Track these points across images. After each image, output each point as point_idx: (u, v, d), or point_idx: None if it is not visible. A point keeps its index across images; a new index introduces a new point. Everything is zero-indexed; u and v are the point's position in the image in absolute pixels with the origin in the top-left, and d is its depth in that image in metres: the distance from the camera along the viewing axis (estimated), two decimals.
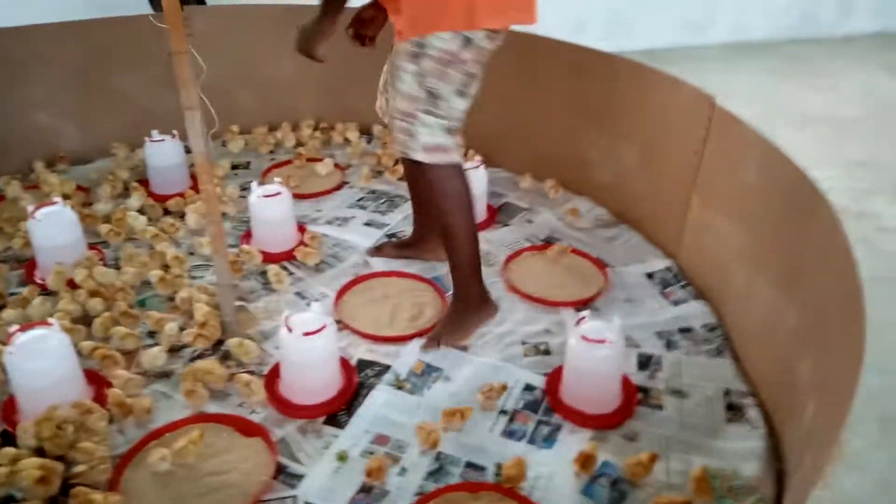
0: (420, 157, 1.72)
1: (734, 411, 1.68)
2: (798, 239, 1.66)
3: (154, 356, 1.75)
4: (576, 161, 2.64)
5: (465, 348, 1.87)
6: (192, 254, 2.25)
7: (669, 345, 1.91)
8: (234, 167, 2.92)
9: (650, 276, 2.22)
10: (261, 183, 2.34)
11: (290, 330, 1.60)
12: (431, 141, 1.71)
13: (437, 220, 1.88)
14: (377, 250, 2.29)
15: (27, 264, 2.17)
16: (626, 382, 1.71)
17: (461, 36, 1.62)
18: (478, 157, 2.50)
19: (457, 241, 1.83)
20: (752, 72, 4.76)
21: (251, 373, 1.75)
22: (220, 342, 1.86)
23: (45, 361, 1.53)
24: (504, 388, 1.69)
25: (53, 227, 2.05)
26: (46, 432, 1.45)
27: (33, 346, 1.52)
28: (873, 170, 3.07)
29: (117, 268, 2.13)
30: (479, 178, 2.44)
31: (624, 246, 2.38)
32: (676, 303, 2.08)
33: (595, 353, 1.60)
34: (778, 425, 1.62)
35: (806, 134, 3.60)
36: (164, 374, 1.75)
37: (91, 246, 2.21)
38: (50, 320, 1.58)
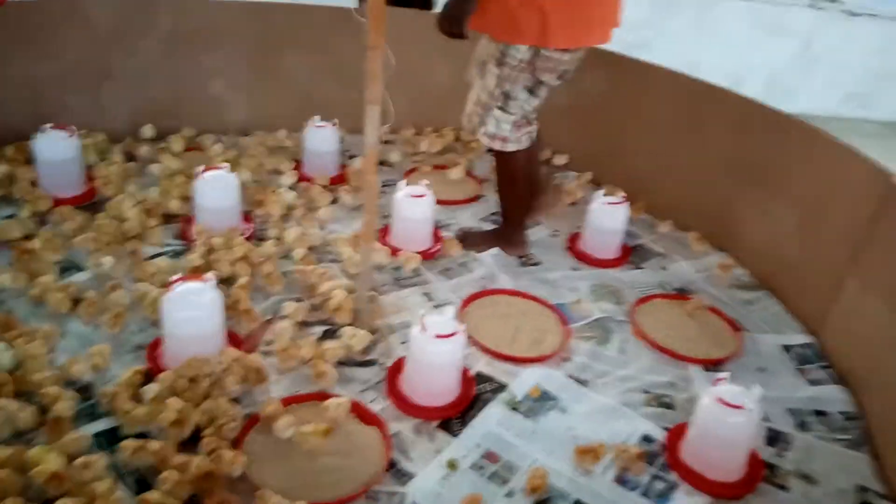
0: (484, 140, 2.15)
1: None
2: None
3: (283, 329, 1.82)
4: (723, 215, 2.55)
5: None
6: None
7: (802, 426, 1.79)
8: (380, 163, 3.00)
9: (787, 348, 2.10)
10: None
11: (424, 330, 1.62)
12: (495, 132, 2.12)
13: (498, 186, 2.33)
14: (462, 241, 2.39)
15: (183, 219, 2.31)
16: (752, 455, 1.62)
17: (533, 48, 1.97)
18: (621, 194, 2.46)
19: (508, 199, 2.32)
20: None
21: (372, 362, 1.79)
22: (337, 327, 1.90)
23: (196, 312, 1.62)
24: (601, 452, 1.60)
25: (216, 190, 2.18)
26: (182, 384, 1.54)
27: (189, 297, 1.62)
28: None
29: (260, 239, 2.25)
30: (618, 215, 2.41)
31: (762, 313, 2.26)
32: (813, 383, 1.96)
33: (728, 419, 1.53)
34: None
35: None
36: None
37: (245, 215, 2.33)
38: (206, 276, 1.68)
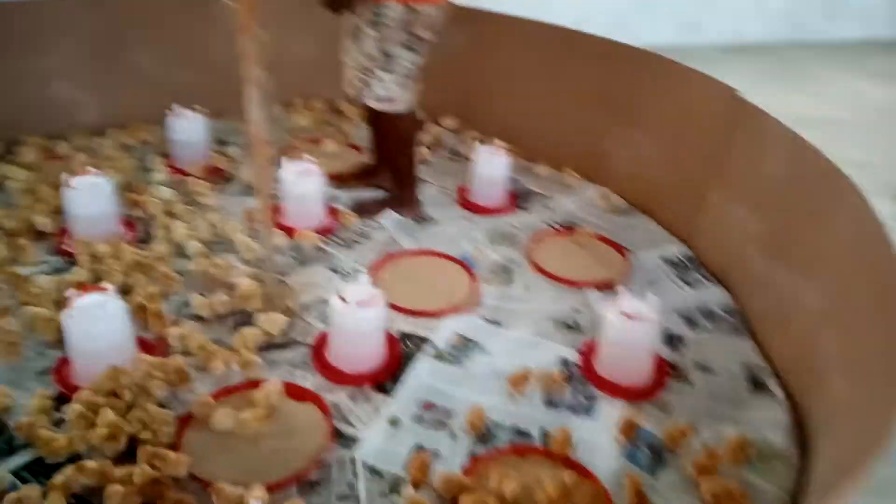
0: (372, 104, 2.20)
1: (757, 385, 1.77)
2: (821, 225, 1.76)
3: (193, 327, 1.78)
4: (592, 150, 2.72)
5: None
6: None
7: (691, 323, 2.01)
8: None
9: (666, 260, 2.31)
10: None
11: (344, 301, 1.65)
12: (384, 93, 2.17)
13: (387, 150, 2.43)
14: (340, 182, 2.56)
15: (55, 233, 2.17)
16: (657, 358, 1.80)
17: (408, 7, 2.02)
18: (499, 143, 2.56)
19: (399, 160, 2.39)
20: (745, 73, 4.91)
21: (293, 342, 1.80)
22: (248, 315, 1.89)
23: (102, 325, 1.56)
24: (528, 377, 1.72)
25: (89, 197, 2.06)
26: (101, 399, 1.49)
27: (92, 310, 1.55)
28: (871, 171, 3.21)
29: (143, 241, 2.16)
30: (500, 164, 2.52)
31: (640, 232, 2.47)
32: (694, 286, 2.18)
33: (633, 328, 1.69)
34: (799, 398, 1.72)
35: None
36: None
37: (123, 219, 2.22)
38: (105, 285, 1.61)
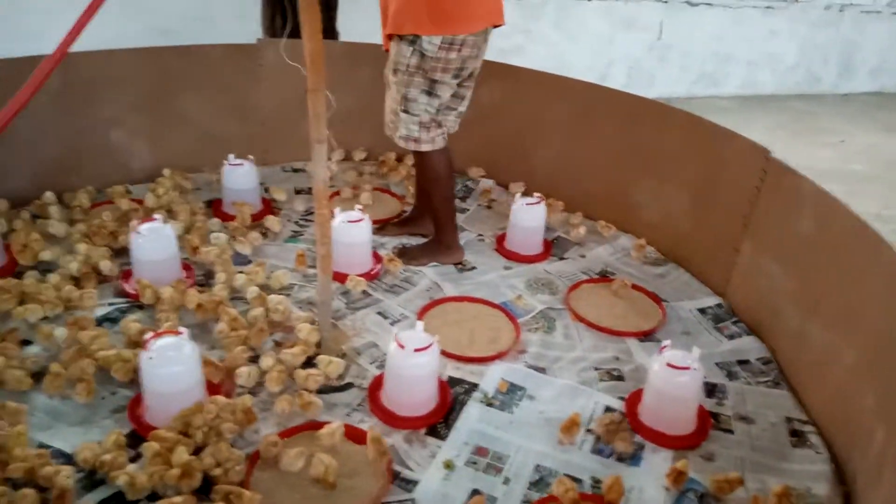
0: (400, 143, 2.35)
1: (797, 437, 1.83)
2: (855, 282, 1.84)
3: (248, 373, 1.86)
4: (624, 201, 2.82)
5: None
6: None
7: (730, 375, 2.07)
8: (298, 192, 3.06)
9: (702, 311, 2.39)
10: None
11: (401, 346, 1.73)
12: (406, 133, 2.31)
13: (425, 192, 2.54)
14: (380, 230, 2.64)
15: (121, 276, 2.27)
16: (700, 408, 1.86)
17: (417, 52, 2.15)
18: (537, 195, 2.67)
19: (435, 201, 2.47)
20: (761, 123, 5.05)
21: (349, 385, 1.88)
22: (308, 359, 1.97)
23: (179, 367, 1.64)
24: (578, 422, 1.78)
25: (154, 243, 2.17)
26: (175, 438, 1.57)
27: (169, 353, 1.63)
28: (892, 223, 3.31)
29: (203, 286, 2.26)
30: (537, 213, 2.62)
31: (674, 283, 2.55)
32: (731, 337, 2.25)
33: (678, 379, 1.76)
34: (839, 451, 1.78)
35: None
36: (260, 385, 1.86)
37: (184, 264, 2.33)
38: (180, 329, 1.70)
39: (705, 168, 2.51)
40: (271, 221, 2.67)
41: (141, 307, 2.13)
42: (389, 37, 2.25)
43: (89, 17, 1.27)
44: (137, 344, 1.88)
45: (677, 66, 5.52)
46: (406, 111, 2.27)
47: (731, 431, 1.85)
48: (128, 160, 2.97)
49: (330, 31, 3.55)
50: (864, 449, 1.64)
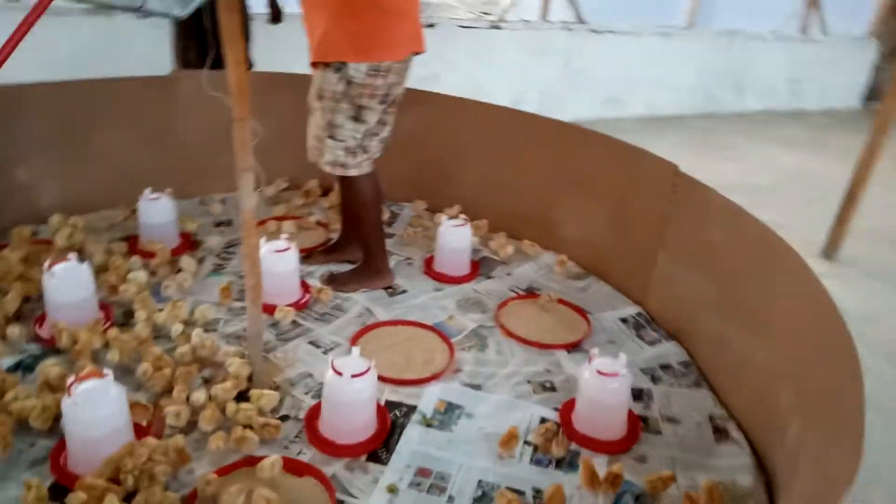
0: (326, 169, 2.35)
1: (721, 434, 1.93)
2: (765, 286, 1.97)
3: (179, 412, 1.80)
4: (546, 220, 2.92)
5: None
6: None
7: (654, 379, 2.17)
8: (217, 224, 3.00)
9: (624, 320, 2.49)
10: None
11: (338, 373, 1.72)
12: (332, 159, 2.32)
13: (352, 218, 2.55)
14: (307, 258, 2.65)
15: (35, 319, 2.16)
16: (629, 413, 1.94)
17: (344, 79, 2.18)
18: (463, 216, 2.73)
19: (364, 226, 2.48)
20: (669, 143, 5.34)
21: (284, 417, 1.85)
22: (240, 393, 1.93)
23: (105, 410, 1.57)
24: (517, 435, 1.83)
25: (69, 283, 2.07)
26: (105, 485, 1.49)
27: (93, 396, 1.56)
28: (792, 232, 3.55)
29: (123, 325, 2.18)
30: (464, 235, 2.67)
31: (596, 295, 2.65)
32: (652, 343, 2.36)
33: (607, 386, 1.83)
34: (759, 444, 1.88)
35: None
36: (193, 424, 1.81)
37: (101, 304, 2.23)
38: (104, 371, 1.63)
39: (620, 185, 2.63)
40: (186, 262, 2.54)
41: (58, 352, 2.02)
42: (314, 64, 2.26)
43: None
44: (57, 389, 1.79)
45: (586, 90, 5.78)
46: (332, 137, 2.28)
47: (659, 433, 1.93)
48: (36, 199, 2.83)
49: (245, 62, 3.52)
50: (781, 440, 1.74)
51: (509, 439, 1.79)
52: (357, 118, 2.27)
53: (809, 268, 1.74)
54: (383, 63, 2.18)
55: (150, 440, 1.61)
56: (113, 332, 2.05)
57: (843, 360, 1.45)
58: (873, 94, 7.72)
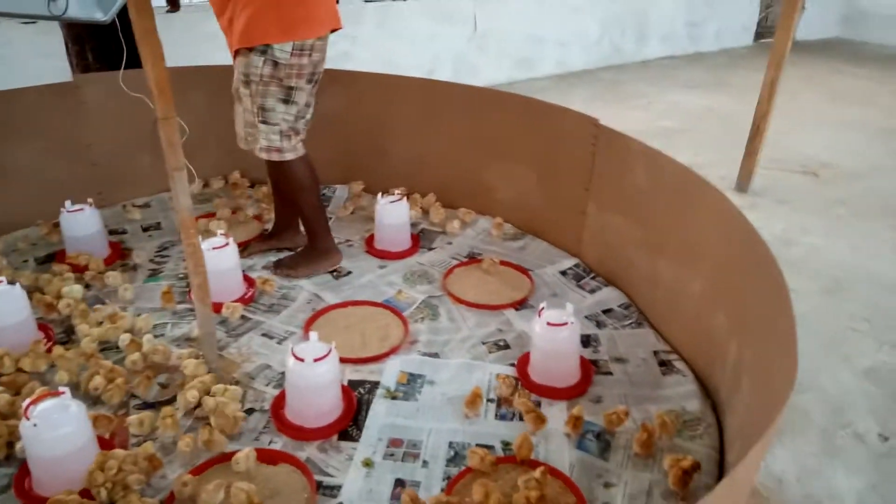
0: (262, 155, 2.32)
1: (665, 366, 2.07)
2: (689, 221, 2.10)
3: (141, 421, 1.78)
4: (478, 186, 2.99)
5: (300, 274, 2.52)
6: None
7: (599, 324, 2.28)
8: (145, 229, 2.92)
9: (563, 273, 2.60)
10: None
11: (300, 360, 1.74)
12: (267, 144, 2.30)
13: (290, 198, 2.49)
14: (244, 250, 2.61)
15: None
16: (581, 359, 2.04)
17: (270, 61, 2.16)
18: (398, 191, 2.75)
19: (305, 209, 2.47)
20: (581, 97, 5.49)
21: (250, 411, 1.86)
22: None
23: (68, 428, 1.54)
24: (480, 394, 1.90)
25: (4, 307, 2.00)
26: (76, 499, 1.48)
27: (54, 416, 1.53)
28: (707, 170, 3.74)
29: (65, 343, 2.12)
30: (401, 210, 2.71)
31: (534, 252, 2.75)
32: (592, 291, 2.47)
33: (559, 335, 1.92)
34: (700, 370, 2.03)
35: None
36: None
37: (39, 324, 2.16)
38: (61, 388, 1.60)
39: (545, 144, 2.71)
40: (114, 278, 2.44)
41: None
42: (237, 52, 2.21)
43: None
44: (8, 416, 1.74)
45: (496, 54, 5.83)
46: (265, 121, 2.26)
47: (610, 374, 2.05)
48: None
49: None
50: (721, 363, 1.88)
51: (474, 399, 1.86)
52: (287, 100, 2.25)
53: (729, 200, 1.87)
54: (307, 41, 2.18)
55: (118, 451, 1.59)
56: (57, 350, 1.99)
57: (768, 280, 1.57)
58: (764, 32, 8.12)
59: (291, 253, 2.63)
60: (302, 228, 2.66)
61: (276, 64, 2.17)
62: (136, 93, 1.68)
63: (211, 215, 2.98)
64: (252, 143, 2.34)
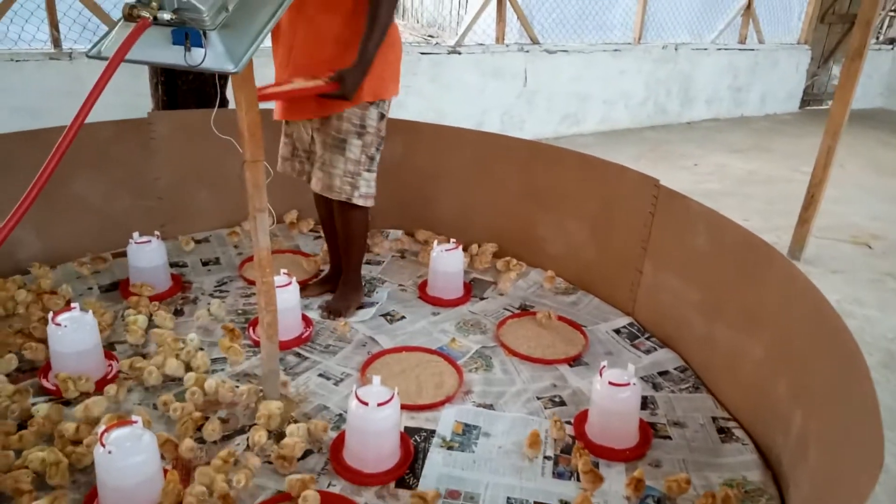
0: (360, 202, 2.42)
1: (725, 433, 2.04)
2: (750, 285, 2.09)
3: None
4: (529, 238, 3.01)
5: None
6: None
7: (655, 387, 2.26)
8: (205, 263, 2.99)
9: (617, 331, 2.59)
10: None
11: (363, 403, 1.76)
12: (367, 191, 2.42)
13: (344, 243, 2.56)
14: (303, 290, 2.64)
15: (39, 370, 2.13)
16: (640, 420, 2.02)
17: (380, 114, 2.36)
18: (454, 241, 2.79)
19: (357, 253, 2.58)
20: (627, 155, 5.53)
21: (307, 452, 1.87)
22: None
23: (139, 457, 1.57)
24: (539, 436, 1.92)
25: (75, 333, 2.05)
26: None
27: (127, 444, 1.56)
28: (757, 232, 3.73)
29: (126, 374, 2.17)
30: (455, 258, 2.74)
31: (587, 308, 2.75)
32: (647, 352, 2.46)
33: (620, 395, 1.91)
34: (760, 439, 1.99)
35: None
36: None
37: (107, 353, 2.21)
38: (133, 417, 1.63)
39: (600, 200, 2.74)
40: (162, 318, 2.45)
41: (67, 403, 2.00)
42: (321, 104, 2.24)
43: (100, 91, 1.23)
44: (74, 441, 1.78)
45: (543, 108, 5.94)
46: (369, 170, 2.40)
47: (669, 438, 2.02)
48: (13, 250, 2.77)
49: (223, 100, 3.54)
50: (784, 433, 1.85)
51: (534, 440, 1.86)
52: (380, 147, 2.44)
53: (796, 267, 1.87)
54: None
55: (198, 488, 1.61)
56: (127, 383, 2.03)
57: (841, 351, 1.56)
58: (809, 100, 8.15)
59: (333, 294, 2.67)
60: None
61: (382, 116, 2.37)
62: (226, 135, 1.75)
63: (276, 252, 3.04)
64: (349, 190, 2.38)
